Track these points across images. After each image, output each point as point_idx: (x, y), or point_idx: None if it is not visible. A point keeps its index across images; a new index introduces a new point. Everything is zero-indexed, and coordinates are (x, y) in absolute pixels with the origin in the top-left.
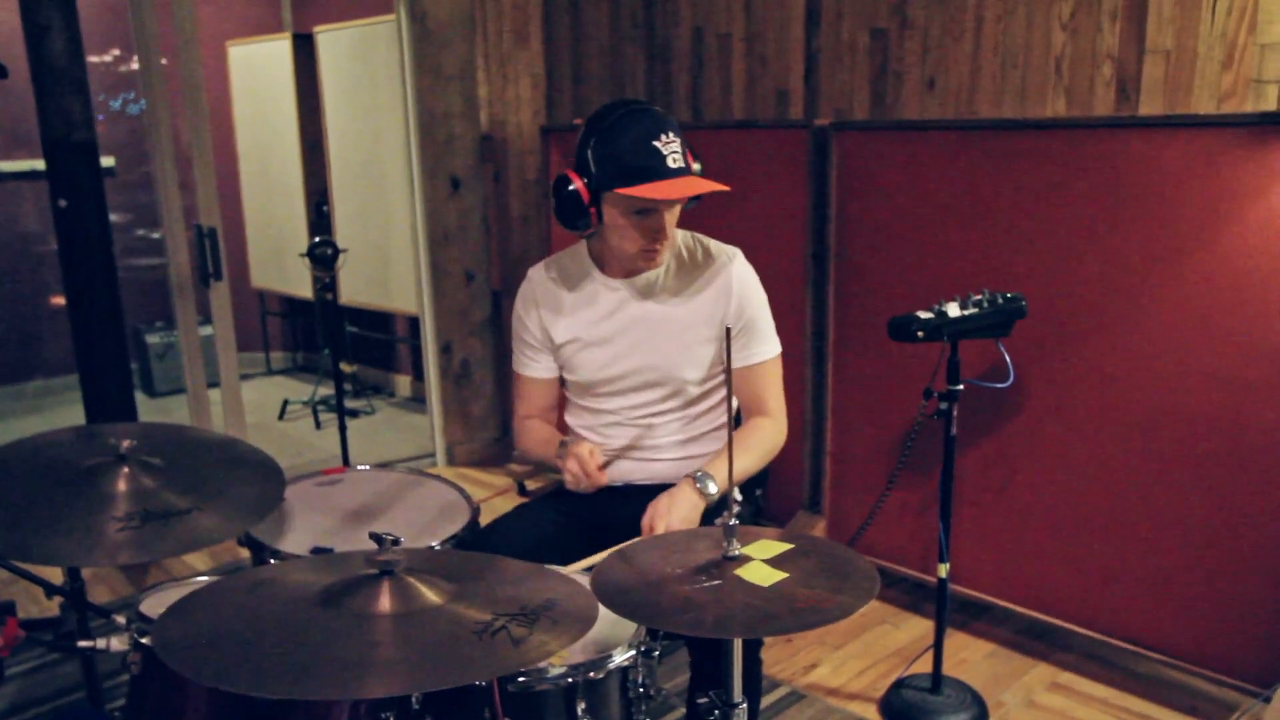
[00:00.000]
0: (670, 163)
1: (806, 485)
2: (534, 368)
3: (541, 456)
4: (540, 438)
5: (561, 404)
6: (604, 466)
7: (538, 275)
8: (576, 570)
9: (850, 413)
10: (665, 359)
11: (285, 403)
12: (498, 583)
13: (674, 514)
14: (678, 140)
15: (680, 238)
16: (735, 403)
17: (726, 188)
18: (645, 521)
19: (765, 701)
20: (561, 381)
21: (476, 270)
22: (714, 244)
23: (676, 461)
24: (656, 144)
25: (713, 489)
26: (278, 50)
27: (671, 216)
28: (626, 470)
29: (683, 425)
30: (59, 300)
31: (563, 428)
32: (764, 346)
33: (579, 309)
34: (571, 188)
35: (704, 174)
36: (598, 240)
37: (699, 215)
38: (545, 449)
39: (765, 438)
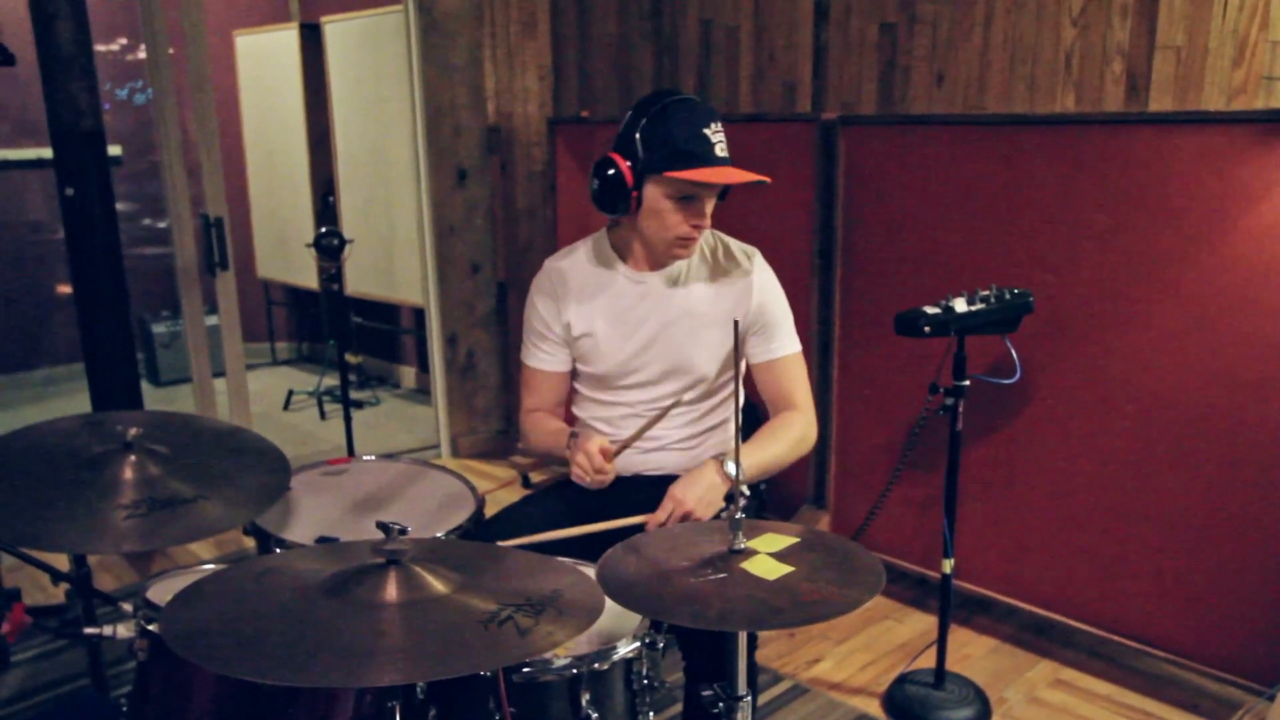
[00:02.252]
0: (718, 151)
1: (811, 480)
2: (545, 360)
3: (549, 449)
4: (548, 429)
5: (567, 401)
6: (613, 455)
7: (555, 265)
8: (574, 534)
9: (856, 408)
10: (684, 354)
11: (290, 393)
12: (504, 573)
13: (690, 494)
14: (723, 132)
15: (703, 234)
16: (743, 397)
17: (769, 179)
18: (663, 506)
19: (768, 695)
20: (572, 374)
21: (482, 262)
22: (734, 242)
23: (685, 453)
24: (706, 131)
25: (732, 469)
26: (285, 40)
27: (711, 205)
28: (635, 461)
29: (693, 420)
30: (65, 289)
31: (569, 421)
32: (786, 341)
33: (599, 300)
34: (615, 170)
35: None
36: (622, 231)
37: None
38: (553, 440)
39: (796, 431)
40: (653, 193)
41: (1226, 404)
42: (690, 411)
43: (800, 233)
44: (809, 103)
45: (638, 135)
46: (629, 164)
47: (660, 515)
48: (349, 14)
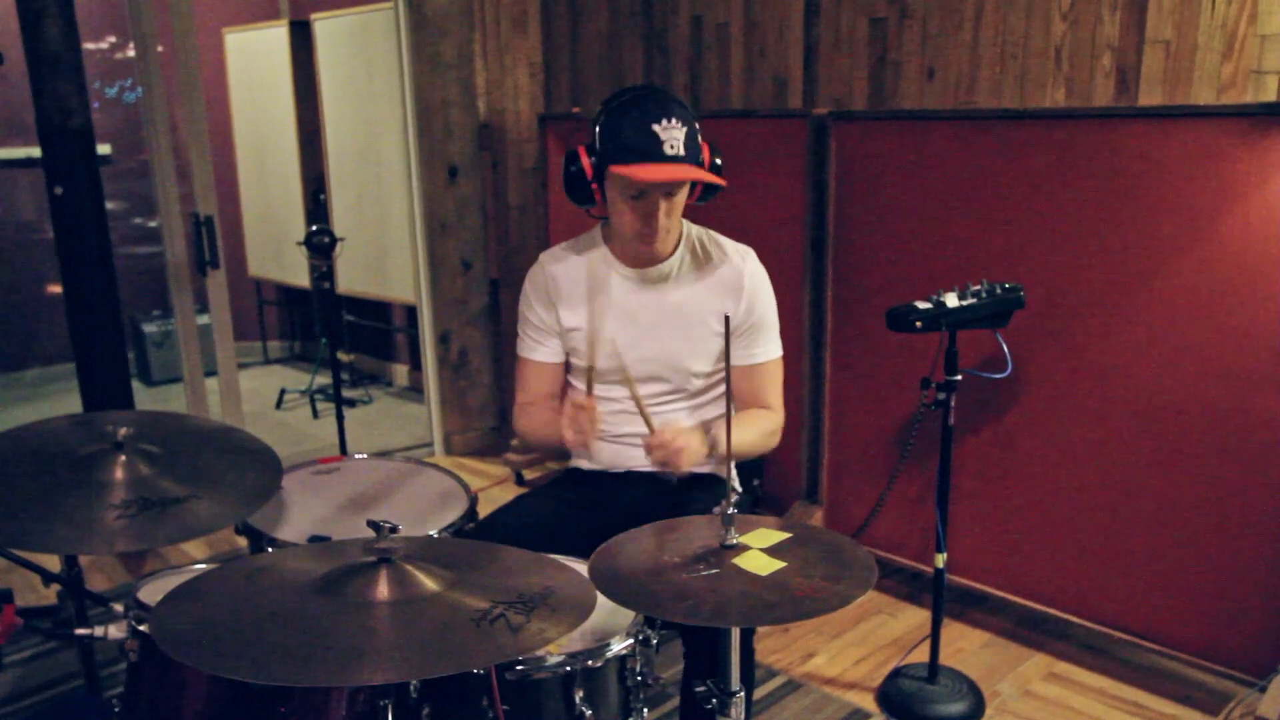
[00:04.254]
0: (666, 148)
1: (804, 475)
2: (540, 351)
3: (545, 436)
4: (542, 420)
5: (563, 394)
6: (610, 475)
7: (550, 259)
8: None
9: (848, 403)
10: (674, 351)
11: (282, 392)
12: (496, 571)
13: (680, 439)
14: (682, 128)
15: (694, 232)
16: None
17: (719, 180)
18: (659, 434)
19: (762, 691)
20: (567, 368)
21: (474, 259)
22: (728, 242)
23: None
24: (655, 128)
25: (714, 443)
26: (275, 38)
27: (668, 205)
28: (628, 456)
29: (686, 415)
30: (55, 289)
31: None
32: (768, 347)
33: (590, 296)
34: (577, 164)
35: (721, 168)
36: (611, 226)
37: (697, 203)
38: (549, 429)
39: (769, 424)
40: (609, 187)
41: (1218, 397)
42: (685, 407)
43: (792, 228)
44: (800, 98)
45: (597, 129)
46: (591, 158)
47: (655, 440)
48: (339, 11)
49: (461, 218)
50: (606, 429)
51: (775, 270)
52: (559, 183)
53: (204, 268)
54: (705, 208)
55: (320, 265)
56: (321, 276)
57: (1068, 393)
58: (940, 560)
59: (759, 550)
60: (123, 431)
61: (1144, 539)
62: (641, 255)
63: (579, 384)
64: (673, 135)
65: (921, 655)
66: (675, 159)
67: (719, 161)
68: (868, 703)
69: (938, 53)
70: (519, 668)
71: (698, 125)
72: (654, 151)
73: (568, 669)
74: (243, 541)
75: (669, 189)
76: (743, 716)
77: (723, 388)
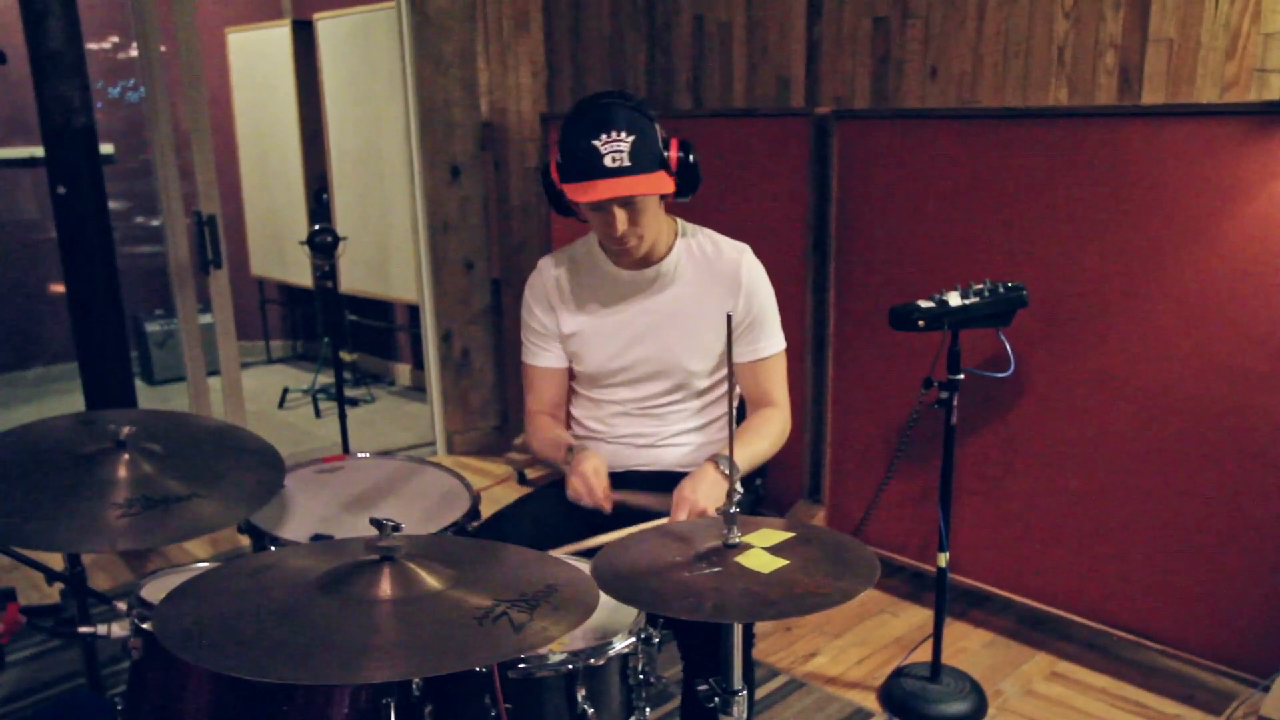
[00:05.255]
0: (608, 161)
1: (807, 474)
2: (544, 358)
3: (550, 459)
4: (549, 438)
5: (568, 399)
6: (611, 476)
7: (548, 265)
8: (582, 547)
9: (851, 402)
10: (672, 350)
11: (285, 391)
12: (498, 569)
13: (699, 493)
14: (628, 138)
15: (690, 232)
16: (738, 392)
17: (663, 190)
18: (679, 508)
19: (764, 690)
20: (571, 373)
21: (476, 259)
22: (724, 240)
23: (682, 450)
24: (595, 143)
25: (728, 468)
26: (277, 37)
27: (629, 214)
28: (630, 458)
29: (687, 416)
30: (58, 288)
31: (569, 419)
32: (770, 341)
33: (588, 299)
34: (548, 176)
35: (694, 165)
36: None
37: (697, 203)
38: (554, 452)
39: (776, 427)
40: (571, 200)
41: (1220, 396)
42: (686, 408)
43: (794, 227)
44: (802, 97)
45: (561, 139)
46: (558, 173)
47: (680, 516)
48: (341, 10)
49: (464, 217)
50: (607, 430)
51: (777, 270)
52: None
53: (206, 267)
54: (707, 206)
55: (322, 264)
56: (324, 276)
57: (1070, 392)
58: (942, 559)
59: (761, 549)
60: (125, 430)
61: (1147, 538)
62: (632, 258)
63: (580, 388)
64: (615, 148)
65: (924, 654)
66: (617, 172)
67: (691, 159)
68: (870, 702)
69: (940, 51)
70: (521, 666)
71: (658, 127)
72: (594, 168)
73: (570, 667)
74: (245, 540)
75: (620, 200)
76: (745, 715)
77: (724, 387)
